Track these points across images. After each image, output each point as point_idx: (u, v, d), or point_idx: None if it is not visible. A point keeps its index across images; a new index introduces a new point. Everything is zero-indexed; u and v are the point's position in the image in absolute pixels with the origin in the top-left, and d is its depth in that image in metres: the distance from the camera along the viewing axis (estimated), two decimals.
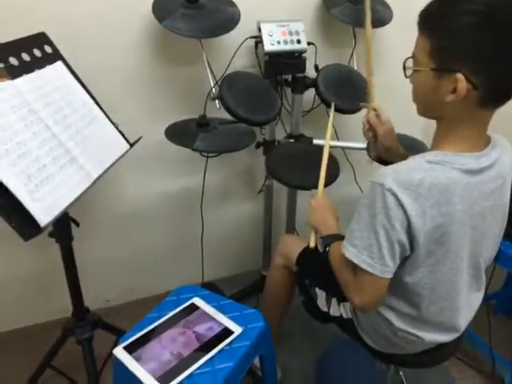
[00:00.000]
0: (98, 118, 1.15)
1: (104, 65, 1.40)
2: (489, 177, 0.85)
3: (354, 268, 0.88)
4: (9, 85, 0.93)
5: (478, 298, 1.02)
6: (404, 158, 1.14)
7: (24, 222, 0.85)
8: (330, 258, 0.99)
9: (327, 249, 1.01)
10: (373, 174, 0.85)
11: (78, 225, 1.17)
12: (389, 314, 0.98)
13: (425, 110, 0.90)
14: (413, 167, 0.81)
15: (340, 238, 0.99)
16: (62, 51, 1.16)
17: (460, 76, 0.76)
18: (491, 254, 0.98)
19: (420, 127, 1.89)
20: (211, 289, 1.72)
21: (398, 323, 0.97)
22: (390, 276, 0.86)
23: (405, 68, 0.88)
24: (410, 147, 1.58)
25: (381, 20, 1.55)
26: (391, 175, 0.80)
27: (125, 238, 1.74)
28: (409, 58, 0.87)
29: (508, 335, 1.60)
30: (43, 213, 0.88)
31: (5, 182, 0.83)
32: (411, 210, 0.79)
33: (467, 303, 0.98)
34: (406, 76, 0.88)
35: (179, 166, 1.67)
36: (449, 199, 0.80)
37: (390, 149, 1.14)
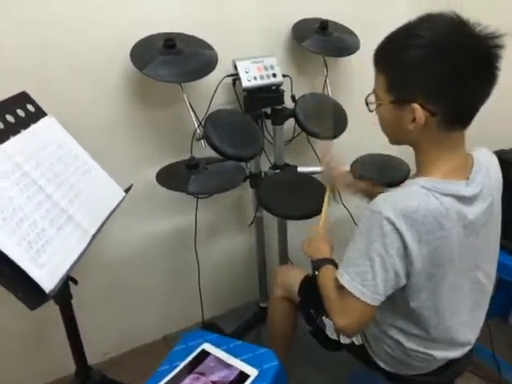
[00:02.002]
0: (92, 169, 1.14)
1: (84, 113, 1.39)
2: (479, 199, 0.88)
3: (343, 291, 0.89)
4: None
5: (483, 310, 1.04)
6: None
7: (29, 291, 0.83)
8: (318, 279, 1.01)
9: (316, 273, 1.03)
10: (370, 202, 0.87)
11: (76, 283, 1.14)
12: (399, 336, 0.99)
13: (395, 139, 0.94)
14: (409, 194, 0.84)
15: (329, 261, 1.03)
16: (42, 104, 1.14)
17: (415, 105, 0.81)
18: (491, 265, 1.00)
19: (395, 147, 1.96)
20: (212, 329, 1.72)
21: (408, 344, 0.99)
22: (378, 304, 0.88)
23: (367, 103, 0.93)
24: (388, 164, 1.65)
25: (349, 48, 1.61)
26: (389, 203, 0.83)
27: (118, 285, 1.69)
28: (370, 94, 0.92)
29: (507, 340, 1.64)
30: (47, 279, 0.86)
31: (6, 251, 0.81)
32: (408, 236, 0.82)
33: (473, 317, 1.01)
34: (369, 110, 0.93)
35: (168, 207, 1.66)
36: (443, 224, 0.83)
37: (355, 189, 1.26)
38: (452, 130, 0.84)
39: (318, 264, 1.04)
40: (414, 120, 0.82)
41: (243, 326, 1.82)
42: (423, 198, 0.82)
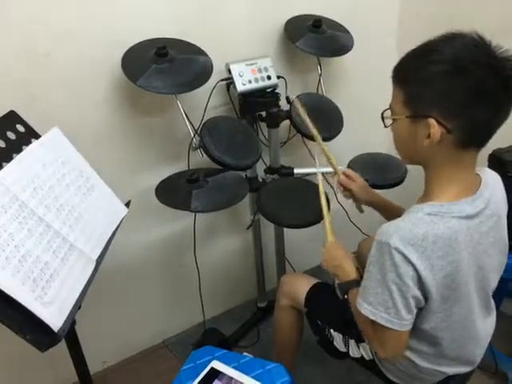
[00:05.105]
0: (95, 187, 1.10)
1: (75, 125, 1.32)
2: (486, 216, 0.88)
3: (373, 322, 0.89)
4: None
5: (491, 322, 1.05)
6: (393, 208, 1.20)
7: (38, 332, 0.80)
8: (351, 305, 1.00)
9: (346, 296, 1.02)
10: (377, 232, 0.86)
11: (79, 307, 1.10)
12: (411, 355, 0.99)
13: (408, 156, 0.93)
14: (414, 222, 0.83)
15: (357, 283, 1.00)
16: (28, 119, 1.08)
17: (431, 121, 0.79)
18: (496, 278, 1.01)
19: (387, 142, 1.96)
20: (214, 335, 1.71)
21: (421, 363, 0.99)
22: (408, 328, 0.88)
23: (383, 118, 0.91)
24: (386, 163, 1.64)
25: (343, 47, 1.58)
26: (395, 233, 0.82)
27: (116, 292, 1.66)
28: (386, 109, 0.90)
29: (503, 331, 1.67)
30: (56, 316, 0.83)
31: (13, 294, 0.77)
32: (420, 265, 0.81)
33: (483, 331, 1.02)
34: (385, 126, 0.91)
35: (164, 214, 1.62)
36: (454, 247, 0.83)
37: (371, 203, 1.23)
38: (466, 150, 0.83)
39: (345, 287, 1.02)
40: (428, 136, 0.80)
41: (242, 327, 1.83)
42: (430, 225, 0.81)
